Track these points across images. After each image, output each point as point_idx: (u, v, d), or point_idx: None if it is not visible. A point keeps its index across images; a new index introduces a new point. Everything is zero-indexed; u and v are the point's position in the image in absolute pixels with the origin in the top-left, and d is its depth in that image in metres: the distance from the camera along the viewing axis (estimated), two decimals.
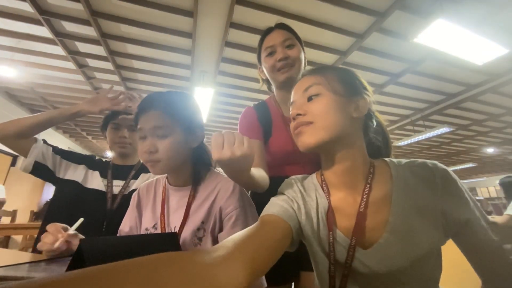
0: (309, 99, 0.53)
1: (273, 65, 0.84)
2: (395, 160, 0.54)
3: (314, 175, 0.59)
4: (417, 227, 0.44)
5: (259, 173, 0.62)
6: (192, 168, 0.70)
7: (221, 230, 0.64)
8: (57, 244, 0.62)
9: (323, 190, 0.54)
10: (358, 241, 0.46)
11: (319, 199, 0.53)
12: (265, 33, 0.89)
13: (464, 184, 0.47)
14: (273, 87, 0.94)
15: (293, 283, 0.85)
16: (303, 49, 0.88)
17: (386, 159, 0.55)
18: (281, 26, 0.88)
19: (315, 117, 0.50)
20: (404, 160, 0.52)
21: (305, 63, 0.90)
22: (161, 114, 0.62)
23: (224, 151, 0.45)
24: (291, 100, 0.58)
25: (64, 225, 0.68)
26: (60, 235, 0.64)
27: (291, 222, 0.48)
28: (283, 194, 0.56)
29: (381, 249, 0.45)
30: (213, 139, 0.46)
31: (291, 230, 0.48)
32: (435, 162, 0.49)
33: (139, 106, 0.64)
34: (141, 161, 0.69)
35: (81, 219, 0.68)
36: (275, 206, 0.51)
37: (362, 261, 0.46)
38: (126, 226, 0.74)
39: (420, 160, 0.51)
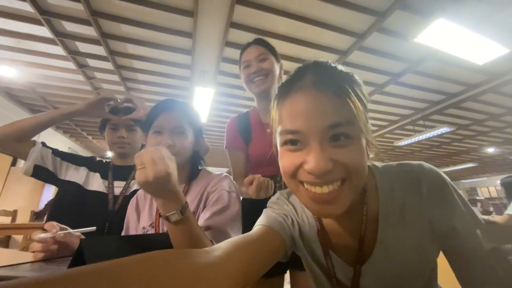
0: (334, 138, 0.36)
1: (247, 76, 0.97)
2: (380, 166, 0.48)
3: None
4: (406, 241, 0.42)
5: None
6: (190, 168, 0.78)
7: None
8: (46, 235, 0.63)
9: None
10: (352, 261, 0.45)
11: (308, 219, 0.52)
12: (244, 48, 1.01)
13: (465, 184, 0.43)
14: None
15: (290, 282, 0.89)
16: (279, 61, 1.01)
17: (369, 164, 0.48)
18: (257, 42, 0.99)
19: (349, 172, 0.36)
20: (391, 164, 0.47)
21: (280, 73, 1.01)
22: (182, 117, 0.73)
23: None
24: (298, 139, 0.38)
25: (64, 226, 0.69)
26: (54, 230, 0.65)
27: (285, 236, 0.48)
28: (275, 208, 0.54)
29: (371, 267, 0.44)
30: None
31: (284, 243, 0.47)
32: (423, 164, 0.44)
33: (158, 106, 0.73)
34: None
35: (94, 228, 0.68)
36: (270, 218, 0.50)
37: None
38: (130, 229, 0.78)
39: (407, 165, 0.45)
